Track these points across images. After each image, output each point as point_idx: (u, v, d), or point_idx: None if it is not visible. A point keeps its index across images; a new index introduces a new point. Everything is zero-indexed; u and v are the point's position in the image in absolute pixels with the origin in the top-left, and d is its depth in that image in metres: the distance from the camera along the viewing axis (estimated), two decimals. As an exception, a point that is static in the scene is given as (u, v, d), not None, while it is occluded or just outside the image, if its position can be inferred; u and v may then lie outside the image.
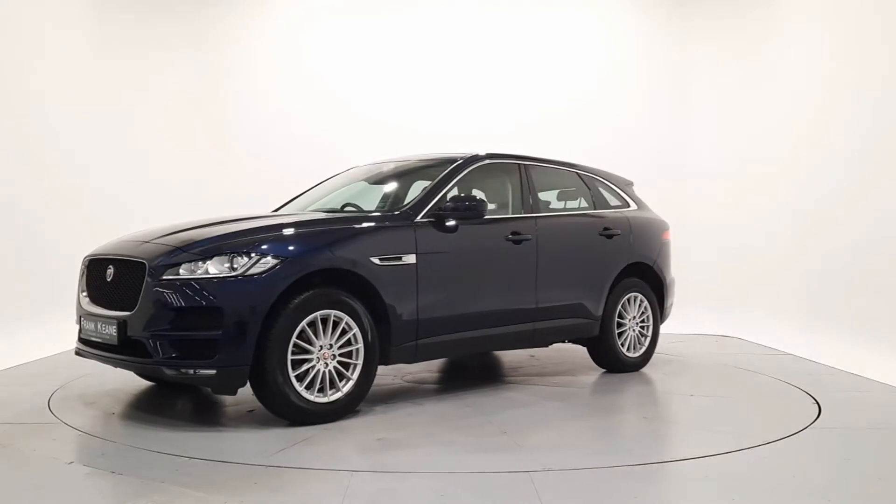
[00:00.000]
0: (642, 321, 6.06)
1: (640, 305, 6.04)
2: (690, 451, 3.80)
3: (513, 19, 9.24)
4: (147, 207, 8.29)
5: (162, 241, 4.25)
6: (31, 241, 7.06)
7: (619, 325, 5.86)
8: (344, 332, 4.24)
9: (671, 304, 6.50)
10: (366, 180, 5.70)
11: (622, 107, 9.23)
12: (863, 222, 6.63)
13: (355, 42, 9.16)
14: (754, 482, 3.35)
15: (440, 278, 4.72)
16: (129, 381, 5.27)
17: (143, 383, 5.21)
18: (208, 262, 3.96)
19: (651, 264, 6.13)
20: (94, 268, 4.52)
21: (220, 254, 3.98)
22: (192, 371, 3.90)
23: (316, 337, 4.12)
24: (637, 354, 6.00)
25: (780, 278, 8.06)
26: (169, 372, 3.95)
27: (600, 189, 6.13)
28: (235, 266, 3.95)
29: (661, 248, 6.29)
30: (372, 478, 3.30)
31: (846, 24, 7.16)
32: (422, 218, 4.71)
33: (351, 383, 4.27)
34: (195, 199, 8.58)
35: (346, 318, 4.23)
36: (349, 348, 4.27)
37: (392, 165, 5.73)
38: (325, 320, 4.17)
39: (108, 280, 4.32)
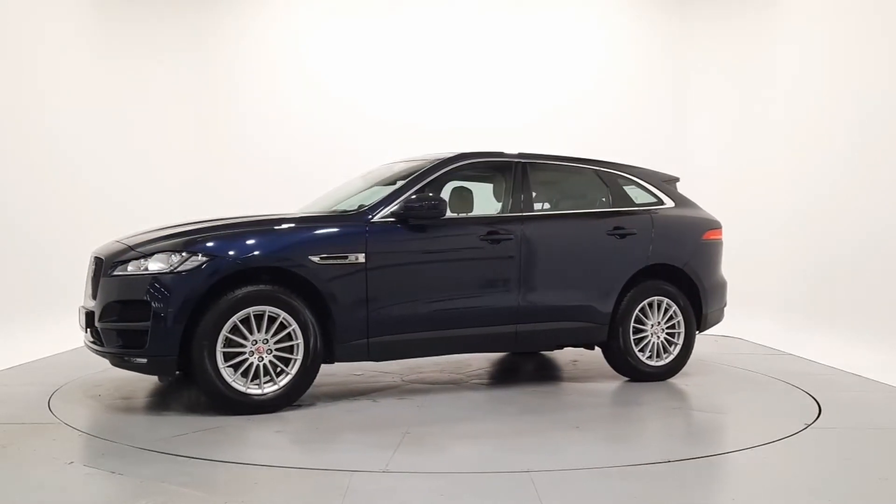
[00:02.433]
0: (671, 328, 5.59)
1: (665, 311, 5.56)
2: (690, 451, 3.79)
3: (514, 19, 9.25)
4: (148, 208, 8.29)
5: (125, 240, 4.65)
6: (32, 241, 7.06)
7: (640, 331, 5.49)
8: (285, 327, 4.39)
9: (718, 310, 5.94)
10: (382, 181, 5.63)
11: (622, 107, 9.22)
12: (863, 222, 6.63)
13: (356, 42, 9.16)
14: (754, 482, 3.36)
15: (397, 277, 4.75)
16: (128, 381, 5.27)
17: (143, 383, 5.21)
18: (149, 260, 4.33)
19: (681, 266, 5.63)
20: (92, 264, 4.84)
21: (160, 252, 4.34)
22: (130, 359, 4.31)
23: (250, 332, 4.31)
24: (661, 363, 5.53)
25: (779, 278, 8.06)
26: (114, 360, 4.42)
27: (624, 187, 5.76)
28: (170, 263, 4.28)
29: (697, 250, 5.75)
30: (372, 478, 3.30)
31: (846, 24, 7.16)
32: (381, 217, 4.75)
33: (288, 378, 4.42)
34: (196, 199, 8.58)
35: (283, 315, 4.37)
36: (290, 343, 4.41)
37: (406, 165, 5.65)
38: (265, 316, 4.34)
39: (92, 275, 4.70)
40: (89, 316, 4.51)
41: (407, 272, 4.81)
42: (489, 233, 5.04)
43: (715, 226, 5.97)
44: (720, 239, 6.00)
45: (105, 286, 4.41)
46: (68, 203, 7.75)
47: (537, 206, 5.45)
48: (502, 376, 5.84)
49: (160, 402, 4.77)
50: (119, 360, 4.39)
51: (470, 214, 5.37)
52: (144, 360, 4.27)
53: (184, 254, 4.29)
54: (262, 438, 3.96)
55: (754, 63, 8.71)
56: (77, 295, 6.05)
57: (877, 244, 6.39)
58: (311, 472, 3.37)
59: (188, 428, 4.07)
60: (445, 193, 5.61)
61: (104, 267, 4.45)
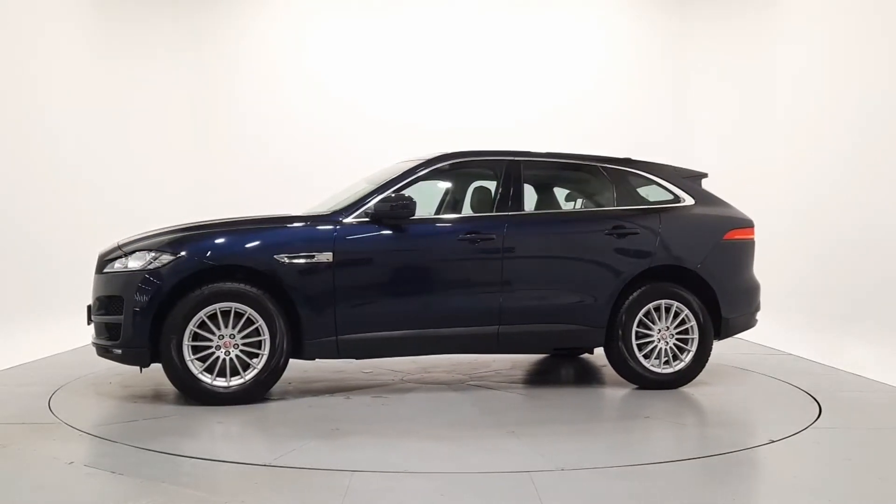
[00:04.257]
0: (683, 333, 5.23)
1: (675, 316, 5.21)
2: (690, 451, 3.79)
3: (515, 20, 9.26)
4: (148, 208, 8.28)
5: (119, 240, 4.92)
6: (32, 240, 7.05)
7: (647, 336, 5.19)
8: (253, 323, 4.57)
9: (745, 316, 5.52)
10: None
11: (622, 107, 9.23)
12: (863, 222, 6.63)
13: (356, 42, 9.16)
14: (754, 482, 3.36)
15: (367, 277, 4.84)
16: (128, 381, 5.27)
17: (143, 383, 5.21)
18: (129, 258, 4.63)
19: (693, 268, 5.27)
20: None
21: (138, 251, 4.64)
22: (110, 350, 4.62)
23: (217, 327, 4.52)
24: (670, 370, 5.19)
25: (780, 278, 8.05)
26: (98, 350, 4.73)
27: (633, 184, 5.47)
28: (146, 262, 4.57)
29: (715, 251, 5.35)
30: (372, 478, 3.31)
31: (846, 24, 7.16)
32: (355, 217, 4.84)
33: (255, 372, 4.59)
34: (198, 200, 8.57)
35: (250, 311, 4.55)
36: (258, 339, 4.59)
37: (410, 166, 5.58)
38: (235, 312, 4.55)
39: None
40: (88, 310, 4.86)
41: (377, 272, 4.88)
42: (468, 233, 4.98)
43: (740, 225, 5.56)
44: (748, 239, 5.58)
45: (96, 282, 4.80)
46: (68, 203, 7.74)
47: (530, 204, 5.33)
48: (513, 379, 5.72)
49: (170, 407, 4.76)
50: (103, 351, 4.70)
51: (450, 215, 5.35)
52: (119, 351, 4.58)
53: (156, 252, 4.56)
54: (192, 429, 4.13)
55: (754, 63, 8.71)
56: (77, 295, 6.07)
57: (877, 244, 6.39)
58: (311, 472, 3.36)
59: (139, 416, 4.36)
60: (468, 193, 5.62)
61: (97, 264, 4.81)
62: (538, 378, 5.79)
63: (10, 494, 3.10)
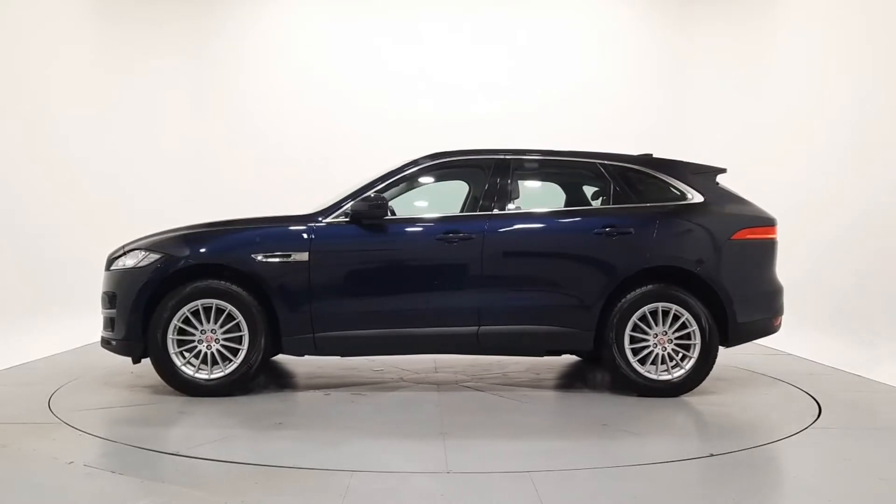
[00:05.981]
0: (685, 338, 4.99)
1: (675, 319, 4.97)
2: (690, 451, 3.79)
3: (516, 20, 9.28)
4: (150, 209, 8.29)
5: (126, 240, 5.18)
6: (32, 241, 7.06)
7: (643, 340, 4.98)
8: (234, 319, 4.81)
9: (762, 321, 5.20)
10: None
11: (622, 107, 9.24)
12: (862, 221, 6.63)
13: (358, 41, 9.17)
14: (754, 482, 3.36)
15: (343, 276, 4.96)
16: (128, 381, 5.28)
17: (143, 382, 5.21)
18: (126, 257, 4.95)
19: (694, 270, 5.02)
20: None
21: (134, 250, 4.94)
22: (110, 342, 4.94)
23: (200, 323, 4.79)
24: (669, 377, 4.95)
25: (779, 278, 8.06)
26: (101, 342, 5.05)
27: (635, 181, 5.24)
28: (137, 260, 4.87)
29: (720, 251, 5.08)
30: (372, 478, 3.31)
31: (846, 23, 7.16)
32: (334, 218, 4.97)
33: (234, 366, 4.81)
34: (202, 201, 8.57)
35: (230, 308, 4.77)
36: (239, 334, 4.81)
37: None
38: (218, 309, 4.79)
39: None
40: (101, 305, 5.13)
41: (353, 271, 4.98)
42: (446, 232, 4.96)
43: (753, 223, 5.23)
44: (764, 239, 5.29)
45: (103, 279, 5.08)
46: (68, 204, 7.75)
47: (518, 203, 5.18)
48: (514, 382, 5.64)
49: (170, 406, 4.77)
50: (105, 343, 5.01)
51: (429, 214, 5.29)
52: (115, 343, 4.90)
53: (146, 252, 4.87)
54: (170, 418, 4.33)
55: (754, 63, 8.71)
56: (77, 295, 6.08)
57: (876, 243, 6.39)
58: (311, 472, 3.37)
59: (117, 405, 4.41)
60: (457, 193, 5.62)
61: (105, 263, 5.11)
62: (544, 382, 5.71)
63: (10, 494, 3.10)
